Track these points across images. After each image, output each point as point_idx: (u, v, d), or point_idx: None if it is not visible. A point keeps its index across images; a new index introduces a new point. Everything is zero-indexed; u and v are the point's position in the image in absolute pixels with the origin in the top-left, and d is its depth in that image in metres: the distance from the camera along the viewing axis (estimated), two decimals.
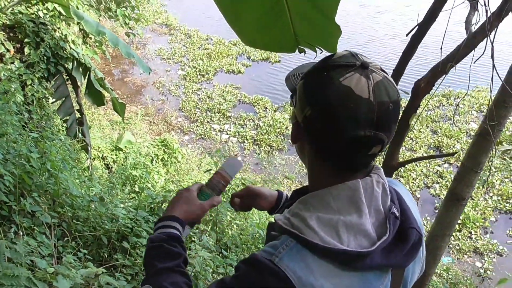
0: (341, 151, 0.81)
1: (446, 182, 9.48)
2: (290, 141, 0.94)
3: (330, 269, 0.77)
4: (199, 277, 2.61)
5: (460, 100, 12.21)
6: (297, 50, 1.13)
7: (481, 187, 9.30)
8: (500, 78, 1.52)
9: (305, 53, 1.12)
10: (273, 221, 0.88)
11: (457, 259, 7.71)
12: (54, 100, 5.23)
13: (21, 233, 2.34)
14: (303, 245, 0.78)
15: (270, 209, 1.24)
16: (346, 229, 0.78)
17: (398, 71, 1.57)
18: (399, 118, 0.86)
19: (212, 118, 11.72)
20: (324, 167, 0.86)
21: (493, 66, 1.35)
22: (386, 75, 0.82)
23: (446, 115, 12.15)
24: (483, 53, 1.47)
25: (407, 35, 1.64)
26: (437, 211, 8.01)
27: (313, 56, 1.08)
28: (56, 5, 4.98)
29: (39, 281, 1.90)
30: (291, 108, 0.93)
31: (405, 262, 0.84)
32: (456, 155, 10.21)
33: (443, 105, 12.64)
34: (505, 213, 8.93)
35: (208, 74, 14.02)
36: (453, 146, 10.61)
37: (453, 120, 10.83)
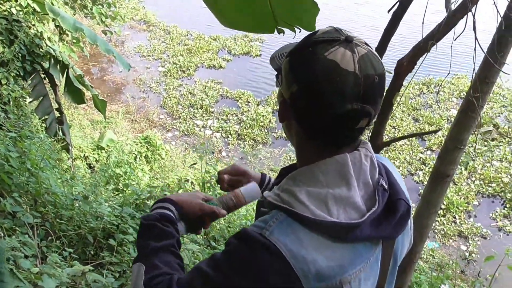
0: (328, 126, 0.81)
1: (429, 169, 9.62)
2: (278, 120, 0.93)
3: (321, 241, 0.77)
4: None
5: (440, 87, 12.43)
6: (276, 30, 1.11)
7: (463, 170, 9.49)
8: (483, 50, 1.54)
9: (284, 33, 1.10)
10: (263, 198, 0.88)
11: (443, 243, 7.85)
12: (31, 99, 5.11)
13: (2, 234, 2.28)
14: (293, 219, 0.78)
15: None
16: (336, 202, 0.79)
17: (381, 49, 1.57)
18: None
19: (194, 114, 11.64)
20: (312, 144, 0.86)
21: (476, 39, 1.36)
22: (370, 48, 0.83)
23: (427, 103, 12.33)
24: (464, 28, 1.48)
25: (388, 11, 1.64)
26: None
27: (292, 40, 1.06)
28: (30, 1, 4.85)
29: (23, 282, 1.85)
30: (278, 88, 0.92)
31: (395, 233, 0.85)
32: (438, 139, 10.39)
33: (424, 93, 12.83)
34: (487, 196, 9.12)
35: (189, 70, 13.90)
36: (435, 133, 10.78)
37: (437, 99, 10.95)
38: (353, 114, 0.78)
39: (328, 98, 0.77)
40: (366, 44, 0.82)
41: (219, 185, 1.21)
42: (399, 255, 0.94)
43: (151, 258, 0.89)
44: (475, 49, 1.44)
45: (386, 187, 0.85)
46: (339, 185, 0.80)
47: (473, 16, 1.37)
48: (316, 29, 0.88)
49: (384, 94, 0.85)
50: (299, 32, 1.07)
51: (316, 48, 0.80)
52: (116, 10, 10.61)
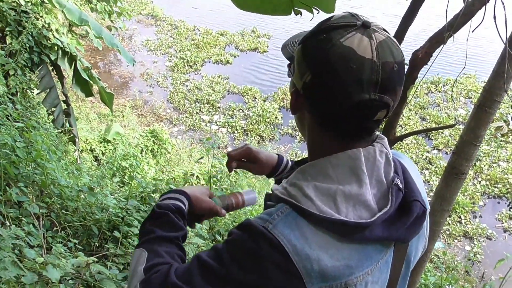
0: (344, 117, 0.76)
1: (435, 168, 9.57)
2: (290, 113, 0.89)
3: (327, 239, 0.73)
4: None
5: (455, 83, 12.33)
6: (292, 12, 1.07)
7: (470, 170, 9.41)
8: (502, 40, 1.48)
9: (301, 14, 1.06)
10: (271, 191, 0.84)
11: (448, 243, 7.80)
12: (39, 91, 5.11)
13: (8, 224, 2.27)
14: (299, 214, 0.74)
15: (268, 173, 1.20)
16: (345, 199, 0.74)
17: (398, 38, 1.53)
18: None
19: (201, 109, 11.64)
20: (325, 136, 0.81)
21: (496, 25, 1.31)
22: (389, 35, 0.77)
23: (435, 102, 12.24)
24: (483, 19, 1.43)
25: None
26: (428, 197, 8.12)
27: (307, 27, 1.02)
28: None
29: (28, 271, 1.84)
30: (290, 78, 0.88)
31: (407, 236, 0.80)
32: (445, 139, 10.31)
33: (432, 92, 12.73)
34: (493, 197, 9.06)
35: (196, 64, 13.89)
36: (442, 132, 10.70)
37: (451, 96, 10.77)
38: (371, 105, 0.73)
39: (344, 87, 0.72)
40: (384, 30, 0.77)
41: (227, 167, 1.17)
42: (413, 259, 0.90)
43: (155, 246, 0.86)
44: (506, 37, 1.38)
45: (401, 186, 0.80)
46: (350, 182, 0.76)
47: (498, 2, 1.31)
48: (332, 14, 0.84)
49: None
50: (317, 13, 1.03)
51: (331, 34, 0.75)
52: (122, 7, 10.55)
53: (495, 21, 1.30)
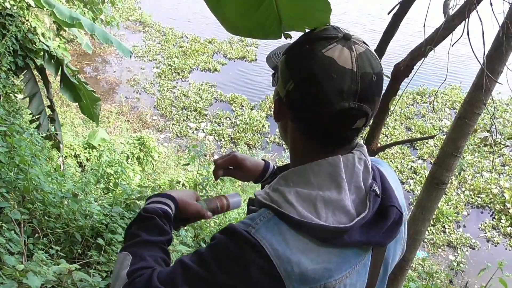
0: (324, 125, 0.79)
1: (420, 178, 9.68)
2: (274, 119, 0.91)
3: (308, 244, 0.75)
4: None
5: (437, 93, 12.52)
6: (282, 36, 1.09)
7: (454, 180, 9.54)
8: (478, 60, 1.54)
9: (291, 38, 1.08)
10: (254, 196, 0.86)
11: (431, 253, 7.88)
12: (24, 95, 5.04)
13: None
14: (280, 219, 0.77)
15: (255, 179, 1.21)
16: (325, 204, 0.77)
17: (379, 51, 1.56)
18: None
19: (188, 117, 11.61)
20: (307, 143, 0.85)
21: (469, 41, 1.35)
22: (368, 47, 0.81)
23: (420, 112, 12.42)
24: (462, 34, 1.48)
25: (388, 13, 1.64)
26: (411, 206, 8.26)
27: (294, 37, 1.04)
28: None
29: (7, 279, 1.81)
30: (274, 88, 0.90)
31: (385, 240, 0.83)
32: (429, 149, 10.45)
33: (417, 103, 12.92)
34: (476, 207, 9.19)
35: (184, 72, 13.88)
36: (427, 143, 10.85)
37: (434, 107, 10.99)
38: (350, 113, 0.76)
39: (325, 96, 0.75)
40: (364, 42, 0.81)
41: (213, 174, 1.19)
42: (391, 262, 0.93)
43: (140, 250, 0.87)
44: (482, 56, 1.44)
45: (378, 192, 0.83)
46: (330, 188, 0.78)
47: (480, 19, 1.36)
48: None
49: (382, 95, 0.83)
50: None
51: (313, 45, 0.79)
52: (111, 15, 10.45)
53: (468, 38, 1.35)
